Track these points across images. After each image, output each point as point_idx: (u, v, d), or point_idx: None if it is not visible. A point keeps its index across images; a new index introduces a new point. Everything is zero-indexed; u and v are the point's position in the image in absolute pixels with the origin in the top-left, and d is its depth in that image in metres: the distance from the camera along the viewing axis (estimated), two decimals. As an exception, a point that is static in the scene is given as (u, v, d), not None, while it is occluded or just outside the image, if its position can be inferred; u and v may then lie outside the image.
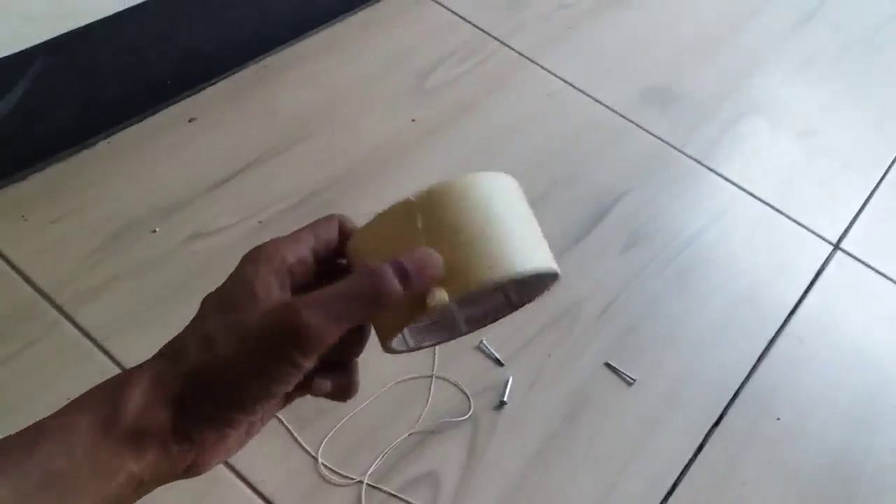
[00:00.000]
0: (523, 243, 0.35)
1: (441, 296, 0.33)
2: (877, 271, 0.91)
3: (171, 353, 0.35)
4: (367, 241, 0.36)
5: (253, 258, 0.36)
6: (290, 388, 0.34)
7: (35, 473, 0.30)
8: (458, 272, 0.33)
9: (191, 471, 0.36)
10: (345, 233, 0.38)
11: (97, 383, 0.34)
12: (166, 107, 0.90)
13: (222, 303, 0.35)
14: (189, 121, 0.90)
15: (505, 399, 0.73)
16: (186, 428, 0.33)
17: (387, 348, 0.37)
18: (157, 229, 0.79)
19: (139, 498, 0.34)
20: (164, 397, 0.33)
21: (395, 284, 0.33)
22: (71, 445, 0.31)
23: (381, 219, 0.35)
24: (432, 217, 0.34)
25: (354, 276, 0.34)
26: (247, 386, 0.33)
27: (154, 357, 0.35)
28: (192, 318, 0.36)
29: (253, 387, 0.33)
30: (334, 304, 0.33)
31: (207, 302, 0.36)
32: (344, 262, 0.38)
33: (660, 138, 1.01)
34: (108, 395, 0.33)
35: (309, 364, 0.33)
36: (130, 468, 0.32)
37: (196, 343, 0.34)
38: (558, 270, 0.36)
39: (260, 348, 0.33)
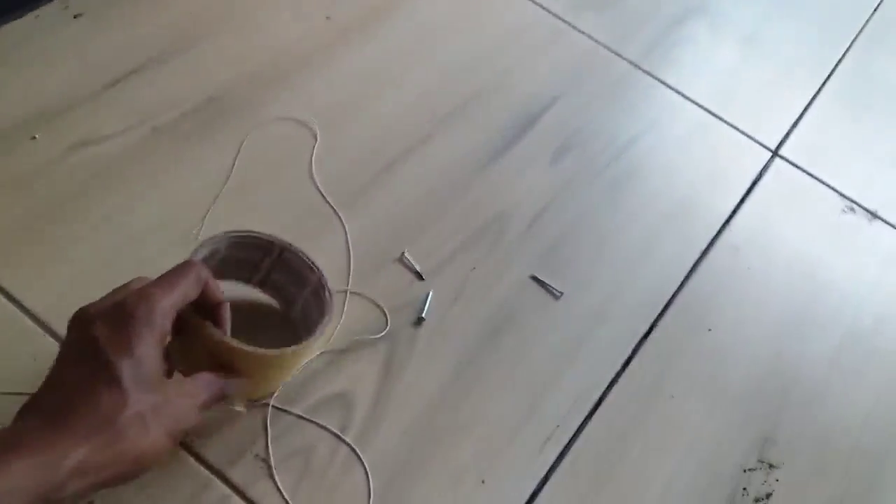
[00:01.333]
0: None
1: (240, 406, 0.56)
2: (815, 178, 0.88)
3: (100, 430, 0.40)
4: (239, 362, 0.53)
5: (147, 320, 0.43)
6: None
7: None
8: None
9: None
10: (205, 291, 0.49)
11: None
12: (47, 1, 0.81)
13: (142, 380, 0.42)
14: (74, 17, 0.80)
15: (424, 315, 0.68)
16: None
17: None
18: (37, 136, 0.71)
19: None
20: (97, 483, 0.40)
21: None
22: None
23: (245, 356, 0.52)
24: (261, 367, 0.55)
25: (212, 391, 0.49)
26: (165, 456, 0.45)
27: (79, 427, 0.40)
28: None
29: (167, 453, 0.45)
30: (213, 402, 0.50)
31: (122, 371, 0.41)
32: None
33: (595, 40, 0.95)
34: (41, 474, 0.38)
35: None
36: None
37: (131, 425, 0.41)
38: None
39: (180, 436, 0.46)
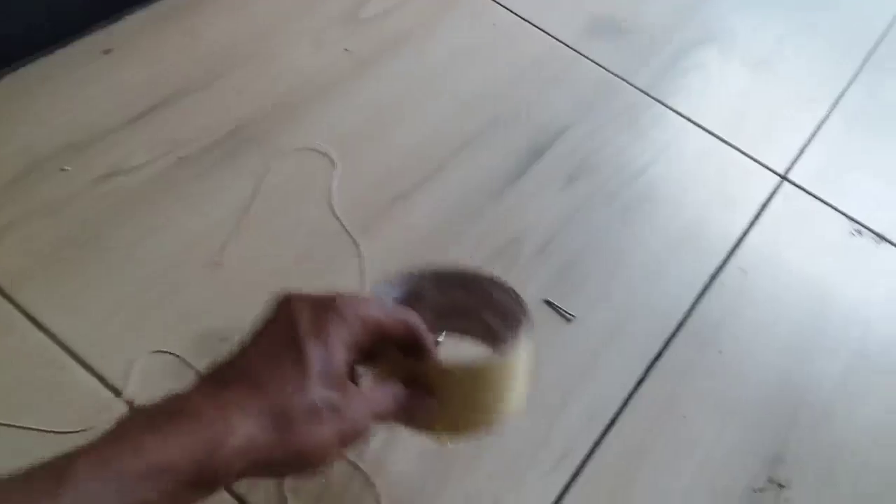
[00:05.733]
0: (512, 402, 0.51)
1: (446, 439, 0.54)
2: (823, 202, 0.90)
3: (272, 409, 0.37)
4: (446, 384, 0.47)
5: (350, 320, 0.41)
6: None
7: None
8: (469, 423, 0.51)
9: None
10: (415, 336, 0.46)
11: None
12: (78, 38, 0.84)
13: (328, 372, 0.39)
14: (104, 52, 0.84)
15: (439, 339, 0.70)
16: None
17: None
18: (68, 168, 0.74)
19: None
20: (257, 465, 0.37)
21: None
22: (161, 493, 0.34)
23: (456, 376, 0.47)
24: (476, 390, 0.49)
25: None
26: (331, 460, 0.40)
27: (250, 401, 0.37)
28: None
29: (333, 458, 0.40)
30: (397, 417, 0.45)
31: (311, 355, 0.39)
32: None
33: (607, 69, 0.97)
34: (204, 447, 0.35)
35: None
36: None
37: (304, 412, 0.38)
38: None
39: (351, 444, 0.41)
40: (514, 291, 0.55)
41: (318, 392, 0.38)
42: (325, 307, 0.40)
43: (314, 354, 0.38)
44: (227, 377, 0.38)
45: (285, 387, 0.37)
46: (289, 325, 0.39)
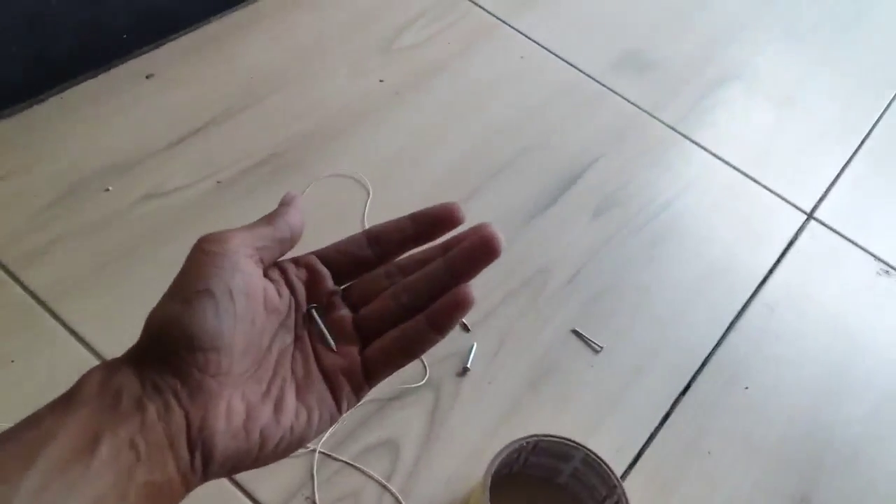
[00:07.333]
0: None
1: None
2: (850, 241, 0.90)
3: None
4: None
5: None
6: (226, 286, 0.35)
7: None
8: None
9: (197, 447, 0.33)
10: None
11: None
12: (123, 62, 0.87)
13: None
14: (146, 77, 0.86)
15: (468, 366, 0.71)
16: (151, 378, 0.33)
17: None
18: (110, 188, 0.76)
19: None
20: (121, 363, 0.34)
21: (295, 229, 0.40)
22: (38, 423, 0.31)
23: None
24: None
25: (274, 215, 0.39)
26: (175, 309, 0.35)
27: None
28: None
29: (180, 305, 0.35)
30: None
31: None
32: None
33: (634, 104, 0.98)
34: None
35: (231, 253, 0.36)
36: (113, 432, 0.31)
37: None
38: None
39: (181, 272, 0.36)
40: (601, 466, 0.61)
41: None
42: None
43: None
44: None
45: None
46: None
